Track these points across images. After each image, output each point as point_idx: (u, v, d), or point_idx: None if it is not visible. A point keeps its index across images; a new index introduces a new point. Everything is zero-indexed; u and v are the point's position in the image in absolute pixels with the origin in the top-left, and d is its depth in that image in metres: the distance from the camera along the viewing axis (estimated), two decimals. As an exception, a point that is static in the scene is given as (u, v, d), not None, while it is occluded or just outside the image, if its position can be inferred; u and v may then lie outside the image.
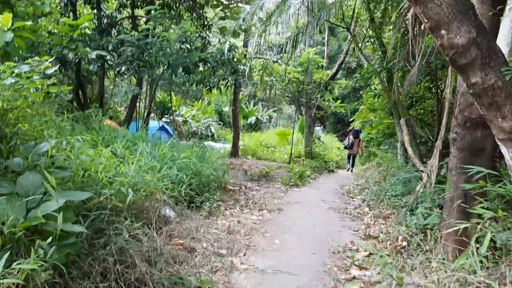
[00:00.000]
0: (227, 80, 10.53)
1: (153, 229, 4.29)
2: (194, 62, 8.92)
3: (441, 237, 4.44)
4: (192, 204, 6.56)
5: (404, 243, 4.95)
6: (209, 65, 9.63)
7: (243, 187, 9.63)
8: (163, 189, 5.50)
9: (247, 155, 17.16)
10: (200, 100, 28.04)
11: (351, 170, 17.58)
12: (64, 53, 7.13)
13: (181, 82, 28.31)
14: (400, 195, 7.47)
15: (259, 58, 15.67)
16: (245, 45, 15.38)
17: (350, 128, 21.86)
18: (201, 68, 10.02)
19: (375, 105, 10.81)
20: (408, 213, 6.04)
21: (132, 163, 5.45)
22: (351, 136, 19.69)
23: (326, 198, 9.24)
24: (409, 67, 8.09)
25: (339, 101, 15.01)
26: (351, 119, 25.44)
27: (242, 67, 10.61)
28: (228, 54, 9.64)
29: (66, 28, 7.06)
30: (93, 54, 6.81)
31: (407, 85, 5.60)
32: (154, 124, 18.62)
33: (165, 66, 9.04)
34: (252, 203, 7.69)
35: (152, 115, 22.39)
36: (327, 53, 19.21)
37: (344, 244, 5.41)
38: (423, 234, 4.96)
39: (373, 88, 10.47)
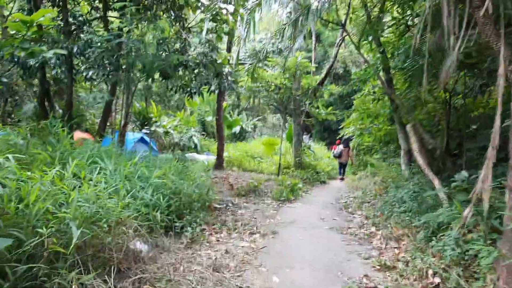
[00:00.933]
0: (210, 85, 9.49)
1: (113, 274, 3.22)
2: (172, 65, 7.88)
3: (498, 278, 3.46)
4: (171, 232, 5.48)
5: (437, 280, 3.97)
6: (189, 69, 8.58)
7: (230, 205, 8.58)
8: (132, 217, 4.41)
9: (232, 166, 16.12)
10: (182, 110, 26.93)
11: (342, 179, 16.97)
12: (17, 54, 6.00)
13: (159, 89, 27.17)
14: (411, 212, 6.53)
15: (243, 63, 14.73)
16: (229, 50, 14.43)
17: (339, 136, 21.08)
18: (181, 73, 8.96)
19: (371, 110, 9.93)
20: (427, 236, 5.09)
21: (94, 185, 4.38)
22: (340, 145, 19.07)
23: (324, 214, 8.25)
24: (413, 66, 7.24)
25: (331, 107, 14.12)
26: (340, 127, 24.77)
27: (226, 70, 9.59)
28: (211, 54, 8.62)
29: (18, 24, 5.95)
30: (49, 53, 5.68)
31: (444, 76, 4.62)
32: (133, 135, 17.47)
33: (141, 71, 7.99)
34: (241, 225, 6.65)
35: (131, 126, 21.27)
36: (314, 58, 18.37)
37: (357, 279, 4.40)
38: (461, 269, 3.97)
39: (371, 91, 9.58)
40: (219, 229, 6.30)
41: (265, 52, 12.54)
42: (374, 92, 9.17)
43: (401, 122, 8.67)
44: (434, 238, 4.91)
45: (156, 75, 8.92)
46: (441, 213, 5.06)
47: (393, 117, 8.92)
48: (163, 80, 8.94)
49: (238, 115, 30.12)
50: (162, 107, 31.14)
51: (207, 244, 5.51)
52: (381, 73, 8.71)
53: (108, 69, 7.73)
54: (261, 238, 5.99)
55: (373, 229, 6.68)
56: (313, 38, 18.86)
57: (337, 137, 21.78)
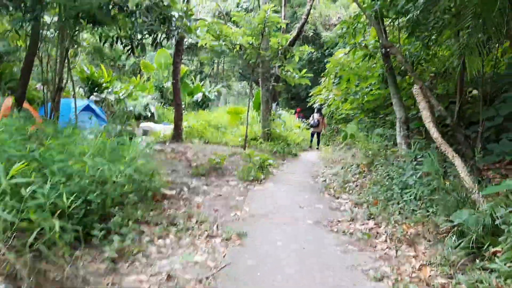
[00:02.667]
0: (155, 35, 7.41)
1: None
2: (101, 6, 5.81)
3: None
4: (86, 244, 3.65)
5: None
6: (127, 12, 6.48)
7: (185, 189, 6.79)
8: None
9: (192, 138, 14.19)
10: (138, 75, 24.45)
11: (317, 148, 16.05)
12: None
13: (112, 52, 24.51)
14: (420, 201, 4.96)
15: (204, 19, 12.61)
16: (186, 1, 12.23)
17: (311, 103, 19.50)
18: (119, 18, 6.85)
19: (359, 70, 8.18)
20: (468, 250, 3.50)
21: None
22: (315, 114, 17.73)
23: (303, 199, 6.60)
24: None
25: (304, 70, 12.33)
26: (309, 94, 23.12)
27: (176, 14, 7.50)
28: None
29: None
30: None
31: None
32: (77, 103, 15.17)
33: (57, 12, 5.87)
34: (196, 222, 4.87)
35: (78, 93, 18.80)
36: (284, 17, 16.35)
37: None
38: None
39: (360, 46, 7.73)
40: (164, 230, 4.51)
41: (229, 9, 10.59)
42: (365, 46, 7.39)
43: (396, 85, 7.04)
44: (475, 249, 3.34)
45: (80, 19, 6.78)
46: (485, 212, 3.46)
47: (386, 79, 7.29)
48: (94, 29, 6.81)
49: (201, 81, 27.92)
50: (116, 72, 28.48)
51: (142, 258, 3.73)
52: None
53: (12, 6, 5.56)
54: (224, 246, 4.24)
55: (371, 223, 5.06)
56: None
57: (309, 105, 20.34)
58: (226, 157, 9.13)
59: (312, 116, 17.62)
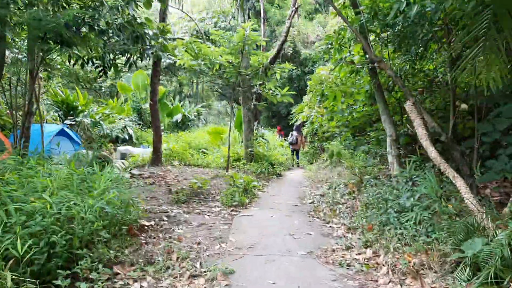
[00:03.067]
0: (129, 54, 6.94)
1: None
2: (69, 26, 5.36)
3: None
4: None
5: None
6: (97, 31, 6.01)
7: (165, 219, 6.28)
8: None
9: (172, 161, 13.67)
10: (115, 97, 23.85)
11: (297, 164, 16.61)
12: None
13: (89, 74, 23.86)
14: (420, 225, 4.59)
15: (182, 38, 12.24)
16: (163, 20, 11.86)
17: (293, 121, 19.24)
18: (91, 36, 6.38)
19: (345, 86, 7.86)
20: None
21: None
22: (294, 132, 17.81)
23: (292, 226, 6.16)
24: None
25: (287, 88, 12.03)
26: (290, 112, 22.89)
27: (150, 32, 7.07)
28: (129, 10, 6.12)
29: None
30: None
31: None
32: (51, 128, 14.53)
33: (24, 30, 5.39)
34: (177, 259, 4.38)
35: (54, 117, 18.12)
36: (263, 34, 16.17)
37: None
38: None
39: (347, 61, 7.42)
40: (141, 271, 4.00)
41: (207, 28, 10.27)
42: (351, 62, 7.09)
43: (385, 101, 6.75)
44: (494, 285, 2.95)
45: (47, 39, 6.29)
46: (501, 242, 3.09)
47: (374, 95, 7.01)
48: (61, 49, 6.32)
49: (180, 102, 27.47)
50: (92, 95, 27.78)
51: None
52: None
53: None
54: (209, 287, 3.76)
55: (368, 252, 4.65)
56: (262, 10, 16.62)
57: (291, 123, 20.09)
58: (208, 181, 8.65)
59: (290, 134, 17.82)
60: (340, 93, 7.27)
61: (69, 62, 7.37)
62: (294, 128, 18.71)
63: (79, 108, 19.64)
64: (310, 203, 8.29)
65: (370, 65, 6.66)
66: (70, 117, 18.43)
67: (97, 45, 6.07)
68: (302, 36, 25.14)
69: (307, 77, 23.14)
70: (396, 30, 5.82)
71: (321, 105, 14.83)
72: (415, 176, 5.36)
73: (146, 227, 5.58)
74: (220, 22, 25.98)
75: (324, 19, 27.83)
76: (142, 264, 4.13)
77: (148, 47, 6.59)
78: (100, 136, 18.77)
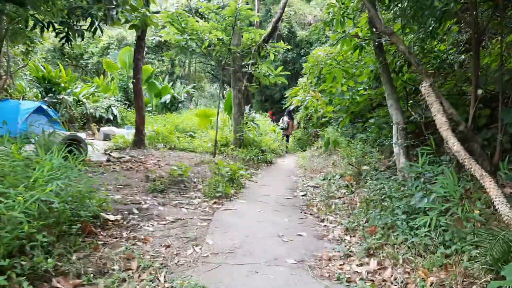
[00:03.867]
0: (93, 17, 5.89)
1: None
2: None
3: None
4: None
5: None
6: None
7: (135, 211, 5.43)
8: None
9: (157, 144, 12.78)
10: (101, 75, 22.71)
11: (286, 147, 16.56)
12: None
13: (74, 50, 22.73)
14: (442, 234, 3.78)
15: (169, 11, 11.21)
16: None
17: (286, 106, 18.39)
18: None
19: (348, 64, 6.93)
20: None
21: None
22: (285, 117, 17.44)
23: (281, 225, 5.33)
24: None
25: (281, 68, 11.10)
26: (284, 96, 21.95)
27: None
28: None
29: None
30: None
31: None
32: (27, 105, 13.53)
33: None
34: (137, 268, 3.54)
35: (33, 93, 17.04)
36: (258, 5, 15.11)
37: None
38: None
39: (350, 36, 6.45)
40: (88, 285, 3.16)
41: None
42: (356, 35, 6.12)
43: (392, 84, 5.89)
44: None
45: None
46: None
47: (379, 76, 6.14)
48: (17, 10, 5.33)
49: (171, 83, 26.39)
50: (79, 72, 26.61)
51: None
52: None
53: None
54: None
55: (372, 263, 3.83)
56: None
57: (284, 108, 19.31)
58: (189, 168, 7.77)
59: (282, 119, 17.68)
60: (340, 73, 6.37)
61: (26, 26, 6.37)
62: (285, 113, 18.31)
63: (62, 85, 18.55)
64: (303, 195, 7.47)
65: (377, 40, 5.78)
66: (51, 95, 17.35)
67: (55, 5, 5.09)
68: (298, 17, 24.07)
69: (303, 59, 22.20)
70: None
71: (316, 89, 13.96)
72: (428, 172, 4.53)
73: (110, 223, 4.72)
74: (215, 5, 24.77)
75: (322, 1, 26.77)
76: (92, 275, 3.28)
77: (113, 6, 5.58)
78: (82, 116, 17.76)
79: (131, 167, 8.75)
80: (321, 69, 6.26)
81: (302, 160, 12.84)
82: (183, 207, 6.04)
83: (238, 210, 6.02)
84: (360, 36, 5.85)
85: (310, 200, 7.01)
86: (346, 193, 6.89)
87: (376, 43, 5.91)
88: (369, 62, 6.85)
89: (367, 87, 7.08)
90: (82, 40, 6.29)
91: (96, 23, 5.71)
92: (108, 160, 9.60)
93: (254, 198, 7.04)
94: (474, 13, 4.64)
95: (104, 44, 24.31)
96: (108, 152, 11.87)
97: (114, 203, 5.74)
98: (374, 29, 5.89)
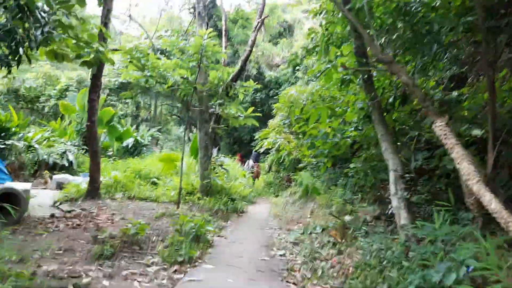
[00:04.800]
0: (14, 38, 4.70)
1: None
2: None
3: None
4: None
5: None
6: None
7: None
8: None
9: (115, 193, 11.41)
10: (59, 119, 21.24)
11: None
12: None
13: (29, 93, 21.24)
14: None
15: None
16: (104, 24, 9.86)
17: (256, 149, 17.51)
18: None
19: (330, 103, 6.02)
20: None
21: None
22: (250, 161, 17.07)
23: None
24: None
25: (251, 108, 10.19)
26: (254, 138, 21.09)
27: (40, 5, 4.88)
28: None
29: None
30: None
31: None
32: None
33: None
34: None
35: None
36: (225, 45, 14.42)
37: None
38: None
39: (337, 66, 5.54)
40: None
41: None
42: (344, 66, 5.21)
43: (385, 123, 5.03)
44: None
45: None
46: None
47: (369, 115, 5.29)
48: None
49: (136, 126, 25.13)
50: (35, 115, 24.99)
51: None
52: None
53: None
54: None
55: None
56: (224, 17, 14.90)
57: (255, 150, 18.49)
58: (146, 226, 6.53)
59: (247, 162, 17.27)
60: (326, 111, 5.47)
61: None
62: (251, 156, 17.80)
63: (13, 129, 16.98)
64: (281, 255, 6.35)
65: (366, 72, 4.97)
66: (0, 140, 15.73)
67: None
68: (266, 58, 23.73)
69: (272, 100, 21.61)
70: (408, 21, 4.12)
71: (289, 130, 13.15)
72: (448, 235, 3.55)
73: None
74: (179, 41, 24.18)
75: (289, 44, 26.70)
76: None
77: (39, 25, 4.45)
78: (34, 163, 16.16)
79: (78, 224, 7.42)
80: (303, 106, 5.35)
81: (275, 207, 11.77)
82: (135, 279, 4.81)
83: (204, 281, 4.84)
84: (347, 67, 5.02)
85: (290, 262, 5.90)
86: (333, 253, 5.83)
87: (365, 76, 5.11)
88: (354, 99, 5.98)
89: (353, 128, 6.21)
90: (9, 73, 5.13)
91: (21, 50, 4.57)
92: (52, 216, 8.21)
93: (224, 261, 5.87)
94: (487, 41, 3.90)
95: (62, 86, 22.99)
96: (57, 204, 10.45)
97: (45, 277, 4.50)
98: (363, 60, 5.09)
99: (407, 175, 5.13)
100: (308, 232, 7.45)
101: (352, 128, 6.29)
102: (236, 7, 26.57)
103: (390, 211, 5.56)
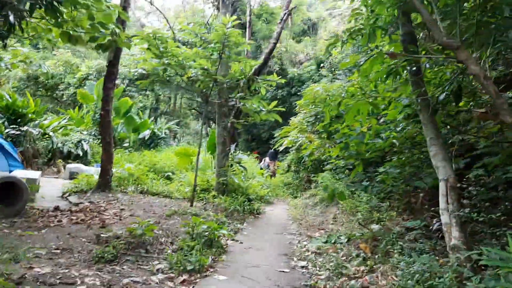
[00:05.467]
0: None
1: None
2: None
3: None
4: None
5: None
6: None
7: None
8: None
9: (127, 186, 10.92)
10: (77, 107, 20.95)
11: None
12: None
13: (48, 80, 21.01)
14: None
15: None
16: (123, 8, 9.32)
17: (276, 146, 16.87)
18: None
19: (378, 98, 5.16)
20: None
21: None
22: (267, 159, 17.30)
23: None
24: None
25: (275, 102, 9.51)
26: (273, 136, 20.42)
27: None
28: None
29: None
30: None
31: None
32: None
33: None
34: None
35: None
36: (248, 37, 13.75)
37: None
38: None
39: (383, 55, 4.72)
40: None
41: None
42: (392, 54, 4.40)
43: (435, 125, 4.30)
44: None
45: None
46: None
47: (418, 112, 4.54)
48: None
49: (155, 120, 24.70)
50: (54, 104, 24.82)
51: None
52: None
53: None
54: None
55: None
56: (248, 11, 14.25)
57: (274, 148, 17.96)
58: (154, 227, 5.93)
59: (264, 160, 17.51)
60: (367, 107, 4.69)
61: None
62: (267, 154, 17.92)
63: (29, 116, 16.68)
64: (303, 267, 5.67)
65: (414, 64, 4.24)
66: (14, 126, 15.43)
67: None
68: (289, 55, 22.98)
69: (293, 99, 20.88)
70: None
71: (311, 129, 12.44)
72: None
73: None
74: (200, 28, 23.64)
75: (313, 42, 25.90)
76: None
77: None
78: (48, 151, 15.82)
79: (82, 220, 6.89)
80: (342, 100, 4.60)
81: (294, 210, 11.08)
82: (137, 290, 4.21)
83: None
84: (397, 54, 4.23)
85: (313, 276, 5.22)
86: (363, 269, 5.13)
87: (414, 68, 4.38)
88: (398, 94, 5.19)
89: (398, 128, 5.39)
90: (5, 47, 4.56)
91: (12, 18, 3.93)
92: (56, 209, 7.73)
93: (239, 271, 5.23)
94: None
95: (82, 75, 22.71)
96: (65, 196, 9.99)
97: (33, 283, 3.94)
98: (412, 48, 4.35)
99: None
100: (332, 241, 6.76)
101: (393, 129, 5.53)
102: (260, 2, 25.89)
103: (435, 226, 4.81)
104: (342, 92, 4.94)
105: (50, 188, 10.78)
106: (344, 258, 5.72)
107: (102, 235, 5.80)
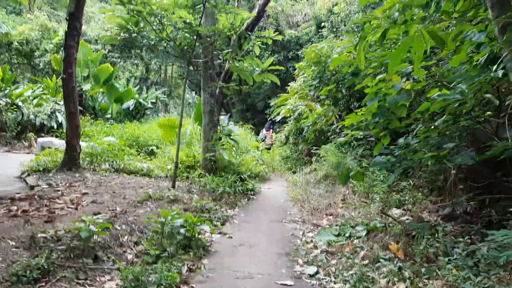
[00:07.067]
0: None
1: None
2: None
3: None
4: None
5: None
6: None
7: None
8: None
9: (100, 163, 9.37)
10: (54, 76, 19.06)
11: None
12: None
13: (23, 46, 19.01)
14: None
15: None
16: None
17: (273, 116, 15.25)
18: None
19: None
20: None
21: None
22: (264, 130, 17.12)
23: None
24: None
25: (271, 59, 7.83)
26: (269, 105, 18.75)
27: None
28: None
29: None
30: None
31: None
32: None
33: None
34: None
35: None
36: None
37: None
38: None
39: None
40: None
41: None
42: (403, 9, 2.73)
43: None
44: None
45: None
46: None
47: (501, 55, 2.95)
48: None
49: (147, 90, 22.87)
50: (30, 72, 22.90)
51: None
52: None
53: None
54: None
55: None
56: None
57: (270, 118, 16.47)
58: (109, 225, 4.36)
59: (261, 131, 17.23)
60: (423, 44, 2.94)
61: None
62: (266, 125, 17.44)
63: (-1, 84, 14.93)
64: (311, 275, 4.16)
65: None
66: (-21, 96, 13.69)
67: None
68: (286, 16, 21.03)
69: (291, 64, 19.11)
70: None
71: (314, 95, 10.79)
72: None
73: None
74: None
75: (311, 2, 23.88)
76: None
77: None
78: (18, 123, 14.12)
79: (24, 211, 5.32)
80: (388, 27, 2.93)
81: (294, 188, 9.58)
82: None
83: None
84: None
85: (322, 278, 3.73)
86: (396, 282, 3.64)
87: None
88: (469, 28, 3.44)
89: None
90: None
91: None
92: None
93: (224, 279, 3.72)
94: None
95: (59, 40, 20.67)
96: (23, 176, 8.42)
97: None
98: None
99: None
100: (347, 234, 5.27)
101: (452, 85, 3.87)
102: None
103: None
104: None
105: (10, 166, 9.24)
106: (367, 262, 4.23)
107: (39, 235, 4.25)
